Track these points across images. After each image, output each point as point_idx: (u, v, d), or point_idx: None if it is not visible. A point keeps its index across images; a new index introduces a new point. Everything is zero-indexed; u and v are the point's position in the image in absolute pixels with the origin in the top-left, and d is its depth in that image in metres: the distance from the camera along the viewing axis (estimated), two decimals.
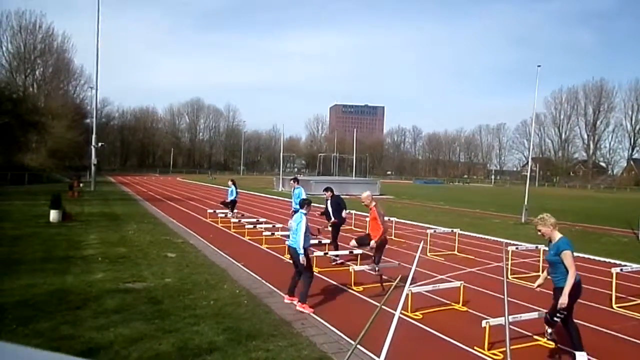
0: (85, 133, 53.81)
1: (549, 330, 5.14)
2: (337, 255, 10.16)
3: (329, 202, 10.98)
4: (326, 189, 11.24)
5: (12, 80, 55.26)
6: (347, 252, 9.84)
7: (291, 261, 7.25)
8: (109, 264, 9.02)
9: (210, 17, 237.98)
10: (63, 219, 15.02)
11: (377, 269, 8.17)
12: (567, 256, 4.86)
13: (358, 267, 8.38)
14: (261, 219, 15.94)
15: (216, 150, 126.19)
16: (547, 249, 5.31)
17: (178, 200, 27.65)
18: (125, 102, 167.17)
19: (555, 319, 4.96)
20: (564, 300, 4.79)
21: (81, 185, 32.83)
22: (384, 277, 8.09)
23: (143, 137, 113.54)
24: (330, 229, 10.89)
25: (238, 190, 17.62)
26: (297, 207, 12.89)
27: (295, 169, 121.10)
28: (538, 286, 5.43)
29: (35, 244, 10.90)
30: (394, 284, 2.88)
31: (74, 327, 5.42)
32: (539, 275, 6.17)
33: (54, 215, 14.87)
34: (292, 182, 12.77)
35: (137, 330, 5.41)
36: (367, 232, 9.00)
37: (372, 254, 8.60)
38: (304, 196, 13.03)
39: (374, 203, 8.52)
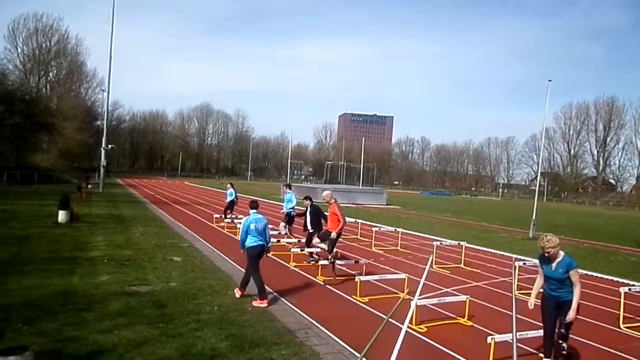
0: (96, 135, 54.43)
1: (564, 345, 5.15)
2: (311, 254, 10.67)
3: (308, 211, 11.12)
4: (305, 198, 11.48)
5: (25, 82, 56.04)
6: (315, 250, 10.53)
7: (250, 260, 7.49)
8: (114, 266, 9.06)
9: (221, 23, 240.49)
10: (71, 219, 15.13)
11: (330, 257, 9.47)
12: (577, 273, 5.18)
13: (364, 278, 8.35)
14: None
15: (224, 156, 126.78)
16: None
17: (185, 204, 27.75)
18: (136, 105, 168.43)
19: (569, 331, 5.20)
20: (574, 314, 5.08)
21: (90, 186, 33.05)
22: (336, 265, 9.39)
23: (152, 140, 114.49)
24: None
25: (237, 194, 18.04)
26: (288, 210, 13.60)
27: (303, 176, 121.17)
28: (534, 304, 5.50)
29: (42, 244, 10.99)
30: (402, 296, 2.87)
31: (79, 329, 5.44)
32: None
33: (62, 215, 14.99)
34: (284, 187, 14.14)
35: (141, 334, 5.42)
36: (325, 228, 10.19)
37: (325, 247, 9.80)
38: (293, 201, 13.55)
39: (333, 200, 9.84)
